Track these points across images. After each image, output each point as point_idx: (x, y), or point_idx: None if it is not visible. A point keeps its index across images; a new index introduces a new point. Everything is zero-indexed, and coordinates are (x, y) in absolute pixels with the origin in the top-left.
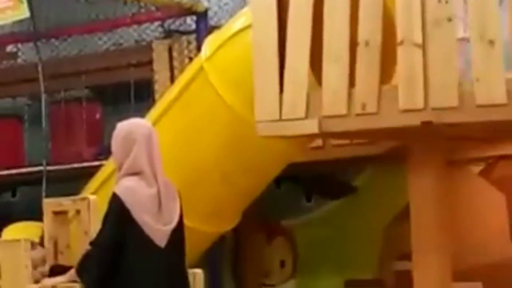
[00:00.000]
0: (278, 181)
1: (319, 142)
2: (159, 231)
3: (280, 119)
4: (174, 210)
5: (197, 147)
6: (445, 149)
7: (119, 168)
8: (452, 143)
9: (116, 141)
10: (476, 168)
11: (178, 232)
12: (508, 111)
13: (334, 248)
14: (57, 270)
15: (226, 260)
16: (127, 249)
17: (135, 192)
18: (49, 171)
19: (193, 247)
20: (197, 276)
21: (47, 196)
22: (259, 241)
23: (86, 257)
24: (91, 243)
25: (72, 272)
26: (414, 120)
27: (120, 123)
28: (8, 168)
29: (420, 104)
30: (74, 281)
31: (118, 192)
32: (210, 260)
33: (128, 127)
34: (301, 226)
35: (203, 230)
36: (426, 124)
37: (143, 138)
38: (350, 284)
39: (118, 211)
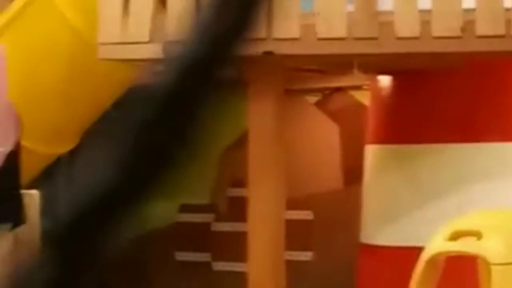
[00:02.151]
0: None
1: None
2: None
3: (124, 42)
4: (11, 132)
5: (37, 67)
6: (284, 79)
7: None
8: (291, 73)
9: None
10: (313, 99)
11: (13, 156)
12: (347, 44)
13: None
14: None
15: (63, 180)
16: None
17: None
18: None
19: (29, 168)
20: (33, 196)
21: None
22: None
23: None
24: None
25: None
26: (256, 49)
27: None
28: None
29: (262, 33)
30: None
31: None
32: (46, 180)
33: None
34: None
35: (41, 152)
36: (267, 54)
37: None
38: (184, 209)
39: None
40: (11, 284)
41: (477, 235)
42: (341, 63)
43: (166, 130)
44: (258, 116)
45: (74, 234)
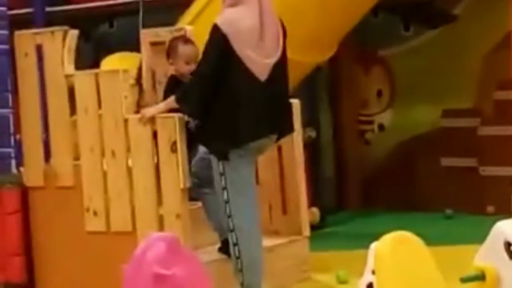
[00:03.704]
0: (376, 10)
1: None
2: (260, 65)
3: None
4: (277, 42)
5: None
6: None
7: None
8: None
9: None
10: None
11: (280, 65)
12: None
13: (431, 77)
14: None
15: (323, 91)
16: (228, 81)
17: (237, 25)
18: (145, 2)
19: (290, 78)
20: (293, 106)
21: (144, 26)
22: (356, 70)
23: (187, 85)
24: (192, 73)
25: (171, 99)
26: None
27: None
28: None
29: None
30: (173, 110)
31: (219, 23)
32: (307, 90)
33: None
34: (399, 56)
35: (300, 60)
36: None
37: None
38: (447, 114)
39: (219, 43)
40: None
41: None
42: None
43: None
44: None
45: None
